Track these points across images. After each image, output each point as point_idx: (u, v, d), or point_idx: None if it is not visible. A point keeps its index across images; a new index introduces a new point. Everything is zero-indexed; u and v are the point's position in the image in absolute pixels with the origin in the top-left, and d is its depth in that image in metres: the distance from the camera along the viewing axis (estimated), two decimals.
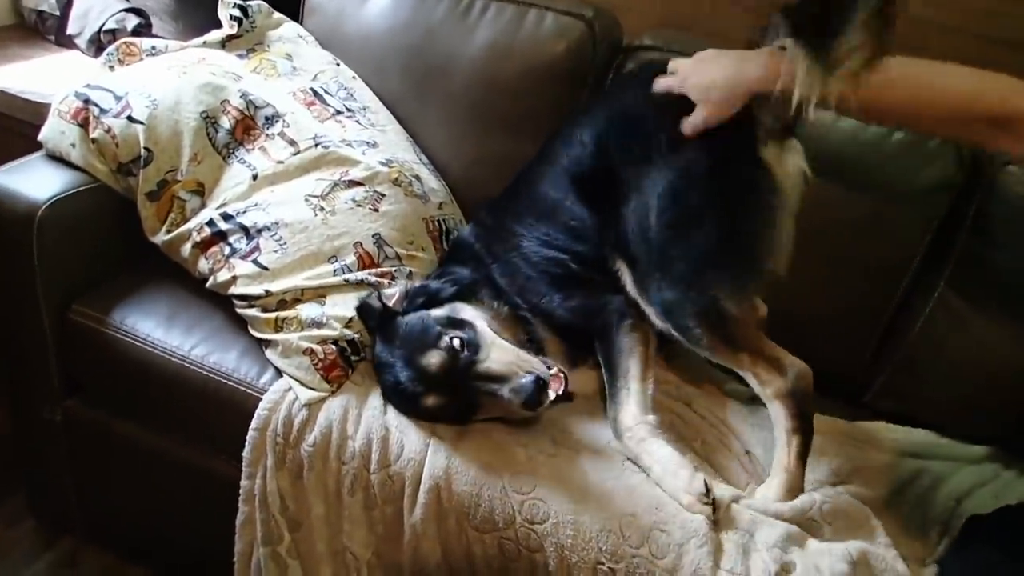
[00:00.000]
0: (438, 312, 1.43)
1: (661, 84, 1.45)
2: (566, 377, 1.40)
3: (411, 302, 1.45)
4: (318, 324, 1.43)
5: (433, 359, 1.36)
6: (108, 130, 1.56)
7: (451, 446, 1.36)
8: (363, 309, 1.46)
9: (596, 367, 1.51)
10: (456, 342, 1.36)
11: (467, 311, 1.44)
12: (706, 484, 1.29)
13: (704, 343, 1.39)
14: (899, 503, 1.44)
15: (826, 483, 1.43)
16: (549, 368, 1.39)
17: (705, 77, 1.38)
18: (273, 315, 1.46)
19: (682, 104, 1.40)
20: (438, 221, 1.69)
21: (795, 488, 1.37)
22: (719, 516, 1.28)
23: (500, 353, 1.37)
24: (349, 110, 1.75)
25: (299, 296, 1.46)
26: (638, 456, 1.37)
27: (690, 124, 1.39)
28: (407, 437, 1.37)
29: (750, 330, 1.43)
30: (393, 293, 1.47)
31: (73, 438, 1.69)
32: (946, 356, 1.62)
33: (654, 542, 1.26)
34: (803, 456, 1.37)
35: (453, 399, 1.37)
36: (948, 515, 1.42)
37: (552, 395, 1.35)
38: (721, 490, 1.33)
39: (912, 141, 1.58)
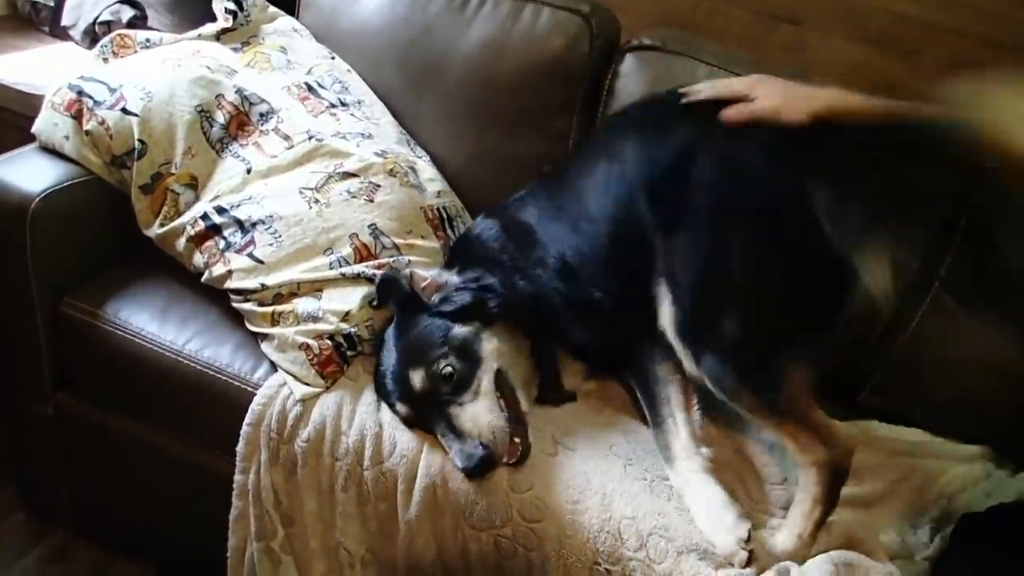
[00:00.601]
0: (461, 330, 1.38)
1: (731, 114, 1.38)
2: (526, 449, 1.33)
3: (444, 300, 1.41)
4: (314, 318, 1.42)
5: (417, 379, 1.35)
6: (102, 122, 1.55)
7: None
8: (387, 284, 1.42)
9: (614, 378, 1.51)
10: (447, 371, 1.34)
11: (489, 345, 1.38)
12: (749, 533, 1.25)
13: (744, 403, 1.31)
14: (891, 500, 1.44)
15: None
16: (514, 430, 1.33)
17: (777, 87, 1.37)
18: (269, 309, 1.44)
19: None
20: (437, 209, 1.67)
21: (803, 556, 1.29)
22: (754, 565, 1.24)
23: (475, 409, 1.32)
24: (343, 103, 1.73)
25: (295, 290, 1.45)
26: (684, 487, 1.33)
27: (751, 110, 1.36)
28: (400, 434, 1.36)
29: (802, 397, 1.32)
30: (426, 277, 1.44)
31: (64, 432, 1.67)
32: (939, 356, 1.61)
33: (653, 547, 1.26)
34: (820, 526, 1.30)
35: (418, 416, 1.36)
36: (940, 513, 1.42)
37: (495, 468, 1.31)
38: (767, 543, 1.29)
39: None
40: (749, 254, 1.31)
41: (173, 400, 1.53)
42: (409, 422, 1.37)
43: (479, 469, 1.28)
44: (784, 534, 1.31)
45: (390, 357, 1.39)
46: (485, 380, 1.36)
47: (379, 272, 1.47)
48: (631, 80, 1.76)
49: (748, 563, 1.24)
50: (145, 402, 1.58)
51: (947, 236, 1.60)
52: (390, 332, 1.42)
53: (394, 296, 1.43)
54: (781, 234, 1.32)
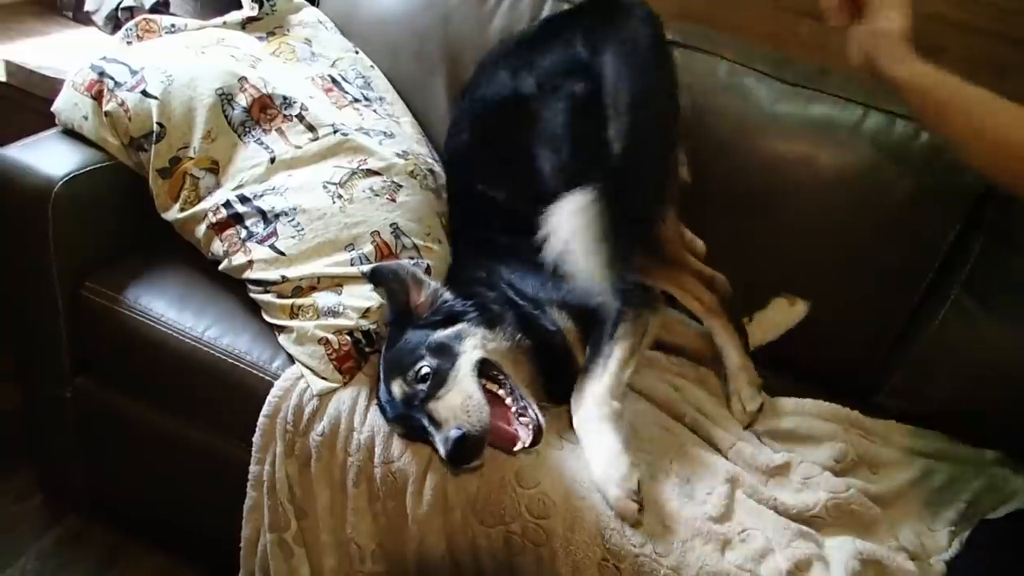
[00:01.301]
0: (440, 333, 1.35)
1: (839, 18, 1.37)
2: (538, 430, 1.27)
3: (433, 313, 1.40)
4: (334, 313, 1.41)
5: (396, 387, 1.32)
6: (121, 103, 1.53)
7: None
8: (388, 295, 1.41)
9: None
10: (424, 371, 1.30)
11: (471, 340, 1.35)
12: (639, 484, 1.26)
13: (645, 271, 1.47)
14: (907, 501, 1.43)
15: (830, 467, 1.42)
16: (521, 419, 1.29)
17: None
18: (289, 301, 1.43)
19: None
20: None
21: (755, 379, 1.54)
22: (643, 518, 1.25)
23: (453, 396, 1.27)
24: (367, 99, 1.72)
25: (315, 284, 1.44)
26: (583, 434, 1.33)
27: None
28: None
29: (675, 246, 1.55)
30: (427, 290, 1.41)
31: (82, 416, 1.67)
32: (958, 358, 1.60)
33: (657, 540, 1.25)
34: (747, 349, 1.57)
35: (410, 429, 1.32)
36: (958, 516, 1.41)
37: (519, 447, 1.26)
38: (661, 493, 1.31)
39: (937, 146, 1.56)
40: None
41: (191, 387, 1.52)
42: (408, 438, 1.34)
43: (456, 452, 1.21)
44: (734, 382, 1.53)
45: (379, 373, 1.37)
46: (463, 369, 1.30)
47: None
48: None
49: (640, 513, 1.24)
50: (163, 388, 1.57)
51: (969, 238, 1.58)
52: (385, 353, 1.39)
53: (390, 310, 1.41)
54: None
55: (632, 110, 1.46)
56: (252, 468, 1.42)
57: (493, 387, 1.33)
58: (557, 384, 1.43)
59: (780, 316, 1.66)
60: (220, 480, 1.49)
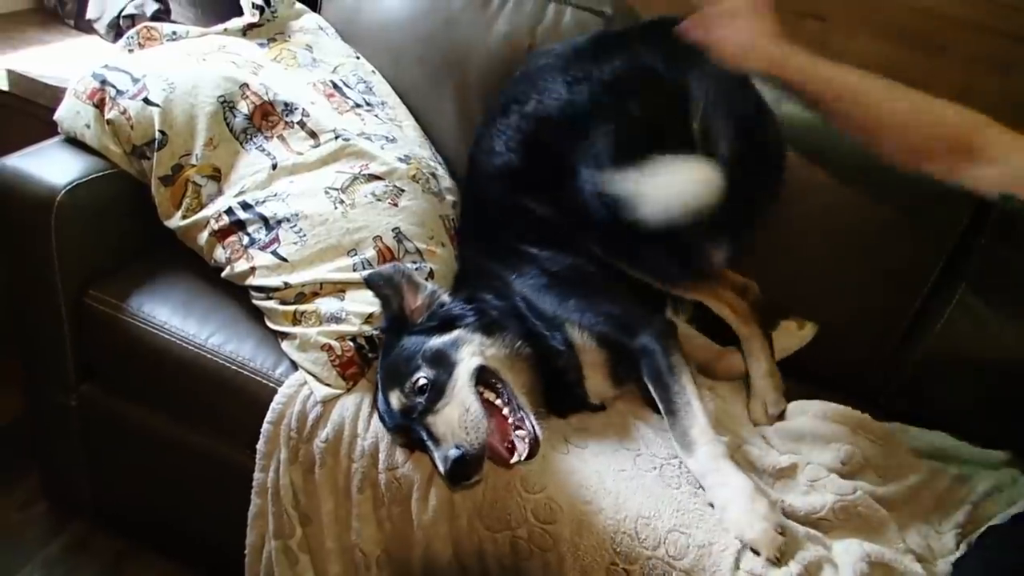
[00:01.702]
0: (437, 340, 1.33)
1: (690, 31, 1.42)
2: (535, 443, 1.25)
3: (429, 318, 1.38)
4: (337, 319, 1.40)
5: (393, 399, 1.30)
6: (123, 111, 1.53)
7: None
8: (382, 300, 1.39)
9: (637, 386, 1.48)
10: (421, 382, 1.28)
11: (469, 347, 1.33)
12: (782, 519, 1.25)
13: (682, 284, 1.52)
14: (915, 504, 1.42)
15: (836, 470, 1.41)
16: (518, 432, 1.26)
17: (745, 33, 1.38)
18: (292, 308, 1.43)
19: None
20: (453, 219, 1.65)
21: (780, 385, 1.57)
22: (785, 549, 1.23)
23: (451, 412, 1.25)
24: (368, 104, 1.71)
25: (318, 290, 1.43)
26: (708, 474, 1.31)
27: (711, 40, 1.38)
28: None
29: (719, 262, 1.57)
30: (423, 293, 1.40)
31: (87, 423, 1.67)
32: (964, 358, 1.59)
33: (672, 544, 1.24)
34: (773, 356, 1.59)
35: (410, 440, 1.31)
36: (965, 518, 1.39)
37: (515, 460, 1.24)
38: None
39: None
40: None
41: (195, 394, 1.52)
42: (409, 448, 1.32)
43: (455, 472, 1.20)
44: (760, 386, 1.56)
45: (377, 384, 1.35)
46: (461, 379, 1.28)
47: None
48: None
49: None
50: (167, 395, 1.57)
51: (974, 235, 1.57)
52: (381, 362, 1.37)
53: (385, 316, 1.39)
54: None
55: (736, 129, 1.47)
56: (256, 475, 1.41)
57: (490, 396, 1.31)
58: (556, 396, 1.42)
59: (788, 339, 1.65)
60: (224, 487, 1.49)
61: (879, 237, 1.61)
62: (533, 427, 1.25)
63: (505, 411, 1.29)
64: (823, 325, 1.66)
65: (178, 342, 1.49)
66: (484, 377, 1.31)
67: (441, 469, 1.22)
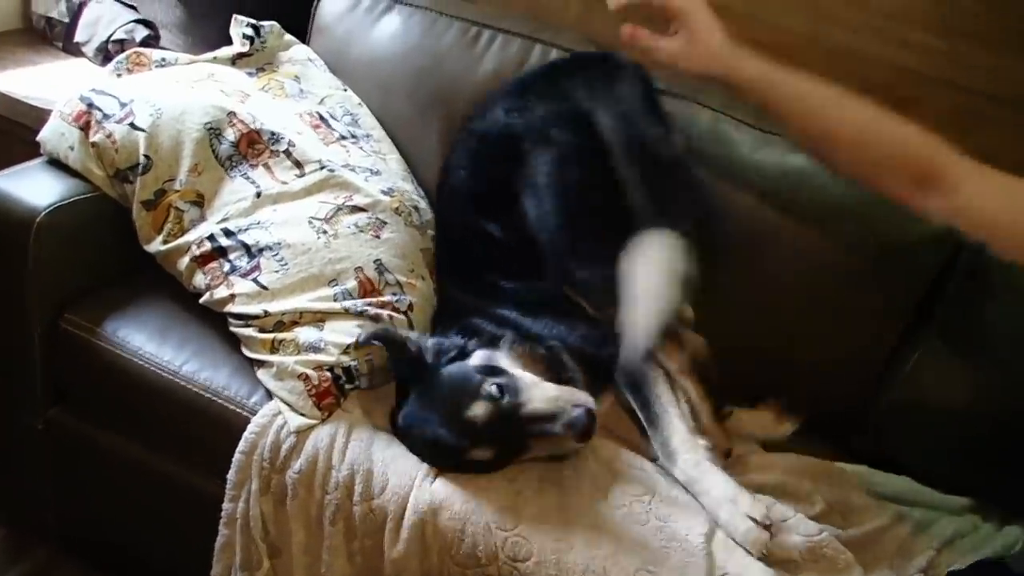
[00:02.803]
0: (473, 362, 1.38)
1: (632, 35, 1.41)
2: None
3: (441, 356, 1.39)
4: (315, 348, 1.39)
5: (479, 410, 1.29)
6: (109, 135, 1.52)
7: (438, 482, 1.31)
8: (396, 351, 1.39)
9: (614, 396, 1.49)
10: (494, 389, 1.30)
11: (499, 358, 1.38)
12: (767, 510, 1.29)
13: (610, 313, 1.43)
14: (878, 548, 1.41)
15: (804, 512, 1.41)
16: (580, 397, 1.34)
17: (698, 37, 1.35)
18: (270, 336, 1.41)
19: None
20: (434, 253, 1.66)
21: (722, 444, 1.48)
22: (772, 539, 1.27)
23: (543, 391, 1.31)
24: (353, 136, 1.72)
25: (297, 319, 1.42)
26: (694, 480, 1.34)
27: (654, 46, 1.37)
28: (392, 472, 1.32)
29: None
30: (411, 343, 1.40)
31: (55, 447, 1.63)
32: (930, 403, 1.60)
33: None
34: (717, 417, 1.52)
35: (501, 447, 1.31)
36: (927, 563, 1.39)
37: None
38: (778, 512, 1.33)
39: None
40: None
41: (167, 421, 1.49)
42: (491, 463, 1.32)
43: (588, 425, 1.27)
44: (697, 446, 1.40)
45: (430, 423, 1.32)
46: (527, 376, 1.34)
47: (381, 311, 1.45)
48: None
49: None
50: (139, 421, 1.54)
51: (942, 281, 1.59)
52: (412, 407, 1.36)
53: (402, 367, 1.40)
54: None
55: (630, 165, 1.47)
56: (226, 505, 1.38)
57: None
58: None
59: (760, 426, 1.63)
60: (194, 516, 1.45)
61: (851, 283, 1.62)
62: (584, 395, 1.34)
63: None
64: (797, 369, 1.66)
65: (152, 368, 1.47)
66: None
67: (572, 433, 1.27)
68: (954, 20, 1.74)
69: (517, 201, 1.53)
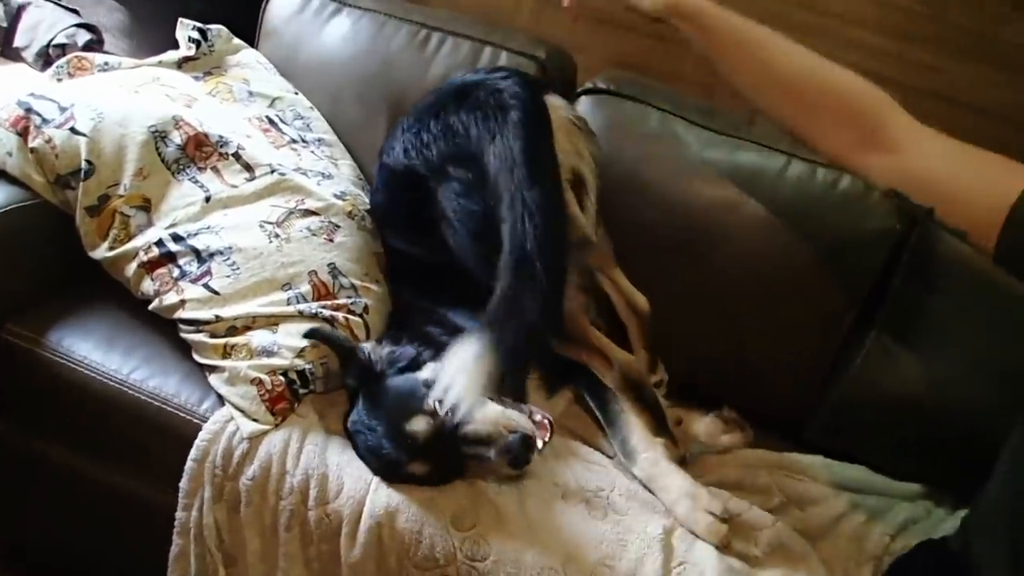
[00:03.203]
0: (423, 374, 1.35)
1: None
2: (551, 423, 1.34)
3: (391, 365, 1.37)
4: (269, 352, 1.37)
5: (419, 425, 1.28)
6: (48, 140, 1.48)
7: (393, 486, 1.30)
8: (345, 357, 1.38)
9: (572, 394, 1.51)
10: (438, 404, 1.29)
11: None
12: (724, 506, 1.32)
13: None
14: (834, 536, 1.43)
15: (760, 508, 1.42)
16: (535, 417, 1.34)
17: None
18: (222, 341, 1.39)
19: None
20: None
21: (674, 451, 1.43)
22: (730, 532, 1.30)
23: (485, 413, 1.29)
24: (304, 140, 1.70)
25: (250, 323, 1.40)
26: (653, 478, 1.37)
27: None
28: (347, 476, 1.30)
29: (579, 322, 1.51)
30: (373, 351, 1.39)
31: (1, 462, 1.58)
32: (879, 396, 1.63)
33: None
34: (662, 424, 1.47)
35: (438, 464, 1.30)
36: (882, 551, 1.41)
37: (540, 446, 1.31)
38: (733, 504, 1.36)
39: (856, 192, 1.61)
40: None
41: (117, 431, 1.46)
42: (427, 477, 1.30)
43: (522, 454, 1.26)
44: (649, 455, 1.40)
45: (375, 432, 1.31)
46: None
47: (336, 313, 1.43)
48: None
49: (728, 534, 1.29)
50: (87, 433, 1.50)
51: (888, 277, 1.62)
52: (358, 415, 1.35)
53: (351, 374, 1.38)
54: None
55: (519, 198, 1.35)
56: (179, 514, 1.36)
57: None
58: None
59: (710, 435, 1.61)
60: (146, 528, 1.42)
61: (799, 280, 1.64)
62: (543, 414, 1.34)
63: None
64: (748, 365, 1.68)
65: (99, 377, 1.44)
66: None
67: (507, 459, 1.27)
68: (902, 23, 1.80)
69: (437, 227, 1.49)
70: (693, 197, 1.68)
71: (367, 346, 1.41)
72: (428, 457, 1.29)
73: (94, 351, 1.47)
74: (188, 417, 1.39)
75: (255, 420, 1.35)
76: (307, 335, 1.38)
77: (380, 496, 1.28)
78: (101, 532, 1.58)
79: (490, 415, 1.30)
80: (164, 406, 1.41)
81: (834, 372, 1.68)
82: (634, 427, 1.42)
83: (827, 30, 1.85)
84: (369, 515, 1.27)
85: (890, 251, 1.61)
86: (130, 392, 1.42)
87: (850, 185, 1.62)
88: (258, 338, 1.38)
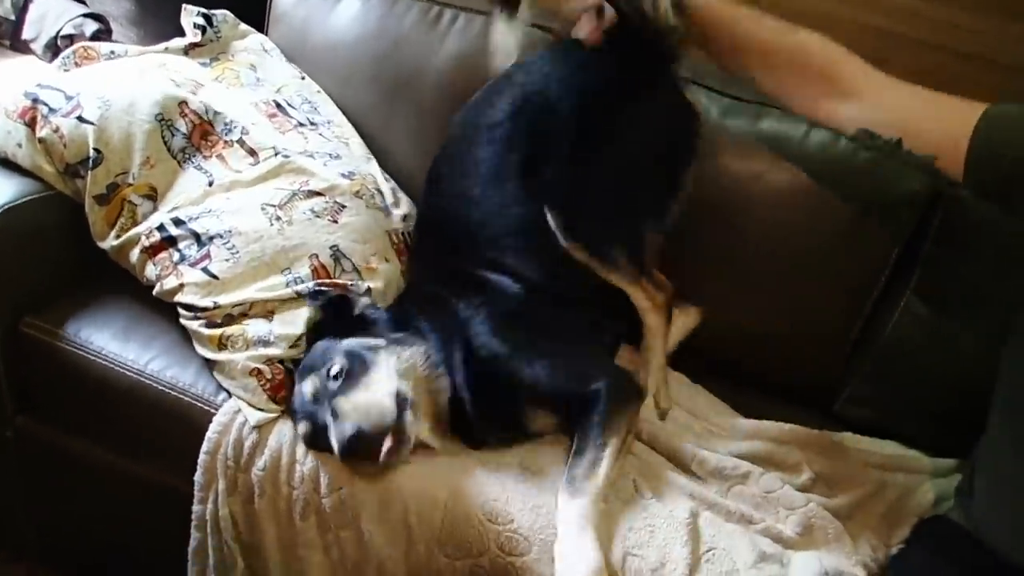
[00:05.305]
0: (353, 340, 1.31)
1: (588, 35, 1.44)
2: (400, 440, 1.23)
3: (351, 321, 1.36)
4: (265, 343, 1.33)
5: (308, 387, 1.27)
6: (56, 129, 1.45)
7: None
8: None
9: None
10: (336, 369, 1.25)
11: (390, 357, 1.30)
12: None
13: (618, 269, 1.45)
14: (867, 512, 1.38)
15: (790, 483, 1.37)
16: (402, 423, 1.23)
17: None
18: (218, 332, 1.35)
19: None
20: (403, 234, 1.59)
21: (664, 403, 1.50)
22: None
23: (361, 395, 1.23)
24: (312, 123, 1.64)
25: (247, 311, 1.36)
26: (572, 530, 1.19)
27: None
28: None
29: (654, 258, 1.54)
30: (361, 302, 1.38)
31: (26, 457, 1.56)
32: (913, 364, 1.56)
33: (628, 569, 1.19)
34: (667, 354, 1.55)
35: (314, 428, 1.26)
36: (911, 531, 1.36)
37: (384, 452, 1.20)
38: None
39: (882, 157, 1.53)
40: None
41: (136, 422, 1.43)
42: (309, 440, 1.27)
43: (348, 446, 1.18)
44: (659, 385, 1.49)
45: (296, 383, 1.31)
46: (382, 378, 1.26)
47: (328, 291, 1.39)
48: None
49: None
50: (108, 424, 1.47)
51: (919, 241, 1.55)
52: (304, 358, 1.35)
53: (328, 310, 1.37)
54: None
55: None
56: (195, 507, 1.33)
57: None
58: (485, 425, 1.35)
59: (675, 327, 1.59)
60: (169, 519, 1.39)
61: (826, 248, 1.57)
62: (406, 434, 1.24)
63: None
64: (776, 337, 1.62)
65: (117, 368, 1.41)
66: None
67: (334, 442, 1.20)
68: None
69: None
70: (717, 165, 1.61)
71: (364, 300, 1.39)
72: (308, 418, 1.27)
73: (111, 342, 1.44)
74: (205, 407, 1.36)
75: (261, 409, 1.32)
76: (311, 296, 1.36)
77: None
78: (128, 525, 1.56)
79: (359, 399, 1.22)
80: (182, 396, 1.38)
81: (864, 341, 1.62)
82: (598, 476, 1.24)
83: None
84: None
85: (919, 215, 1.54)
86: (148, 383, 1.40)
87: (873, 151, 1.55)
88: (253, 328, 1.35)
